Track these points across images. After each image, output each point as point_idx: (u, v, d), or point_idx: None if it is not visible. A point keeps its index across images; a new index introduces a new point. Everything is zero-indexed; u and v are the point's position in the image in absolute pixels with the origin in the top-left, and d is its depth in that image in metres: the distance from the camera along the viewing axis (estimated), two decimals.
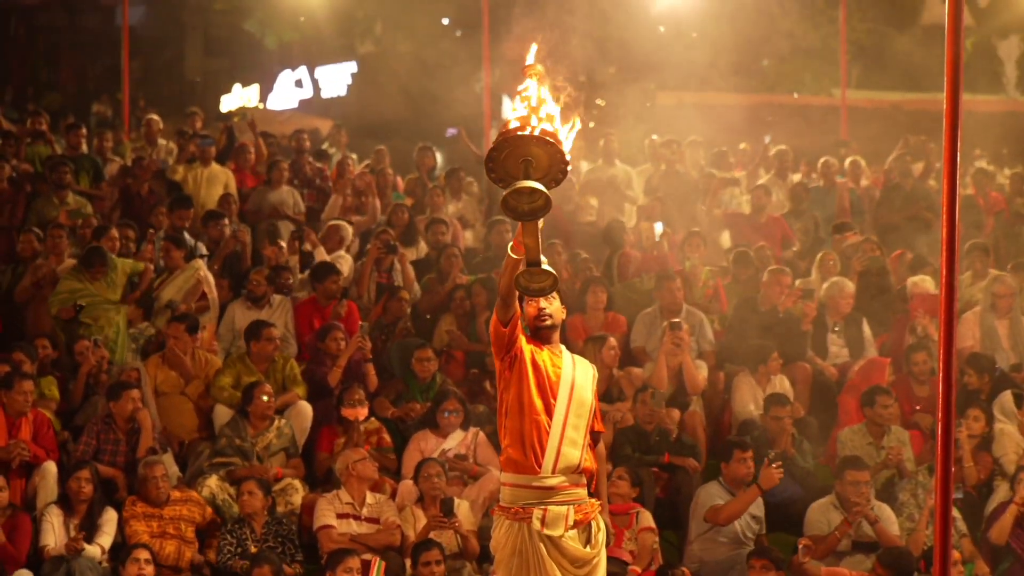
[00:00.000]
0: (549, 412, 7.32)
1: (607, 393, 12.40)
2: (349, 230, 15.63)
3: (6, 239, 14.48)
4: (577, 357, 7.57)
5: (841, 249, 15.30)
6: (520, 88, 6.78)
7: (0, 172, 15.72)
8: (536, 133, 6.58)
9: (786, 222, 16.79)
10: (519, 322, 7.29)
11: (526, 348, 7.34)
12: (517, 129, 6.61)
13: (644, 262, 15.20)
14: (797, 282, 14.87)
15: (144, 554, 9.98)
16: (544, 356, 7.40)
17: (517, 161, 6.61)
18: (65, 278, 13.33)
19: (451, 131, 21.09)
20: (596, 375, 7.56)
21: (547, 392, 7.34)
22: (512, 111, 6.80)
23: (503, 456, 7.44)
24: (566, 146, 6.68)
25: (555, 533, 7.29)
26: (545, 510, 7.30)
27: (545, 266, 6.87)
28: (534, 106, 6.68)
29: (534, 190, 6.53)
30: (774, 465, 10.71)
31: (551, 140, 6.61)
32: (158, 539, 10.59)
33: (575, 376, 7.42)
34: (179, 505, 10.86)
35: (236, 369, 12.36)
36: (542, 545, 7.29)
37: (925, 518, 10.98)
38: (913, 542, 10.87)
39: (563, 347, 7.54)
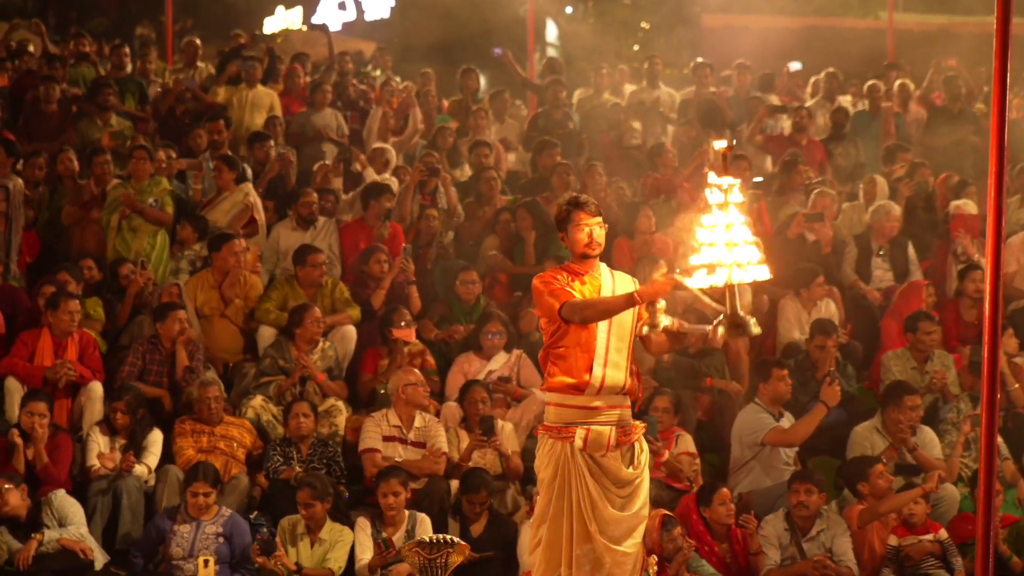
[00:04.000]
0: (592, 339, 7.35)
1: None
2: (393, 154, 15.62)
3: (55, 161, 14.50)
4: (618, 274, 7.57)
5: (891, 174, 15.18)
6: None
7: (50, 94, 15.74)
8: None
9: (823, 147, 16.66)
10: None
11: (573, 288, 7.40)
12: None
13: (659, 183, 15.01)
14: (845, 205, 14.81)
15: (203, 487, 9.99)
16: (581, 286, 7.41)
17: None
18: (114, 188, 13.39)
19: (497, 51, 21.01)
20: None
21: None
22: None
23: (548, 377, 7.48)
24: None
25: (597, 453, 7.34)
26: (588, 430, 7.34)
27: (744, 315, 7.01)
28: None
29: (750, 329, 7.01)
30: (835, 383, 10.77)
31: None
32: (206, 454, 10.64)
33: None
34: (231, 427, 10.94)
35: (283, 292, 12.37)
36: (584, 465, 7.33)
37: (961, 444, 10.99)
38: (950, 467, 10.88)
39: (603, 267, 7.56)
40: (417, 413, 10.95)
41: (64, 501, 10.07)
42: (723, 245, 6.85)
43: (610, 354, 7.36)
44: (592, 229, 7.44)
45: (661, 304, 7.36)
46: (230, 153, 14.62)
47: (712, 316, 7.15)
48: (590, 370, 7.33)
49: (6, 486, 9.90)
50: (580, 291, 7.38)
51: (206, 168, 14.58)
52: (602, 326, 7.35)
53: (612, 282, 7.48)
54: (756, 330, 7.03)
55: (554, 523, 7.44)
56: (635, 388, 7.50)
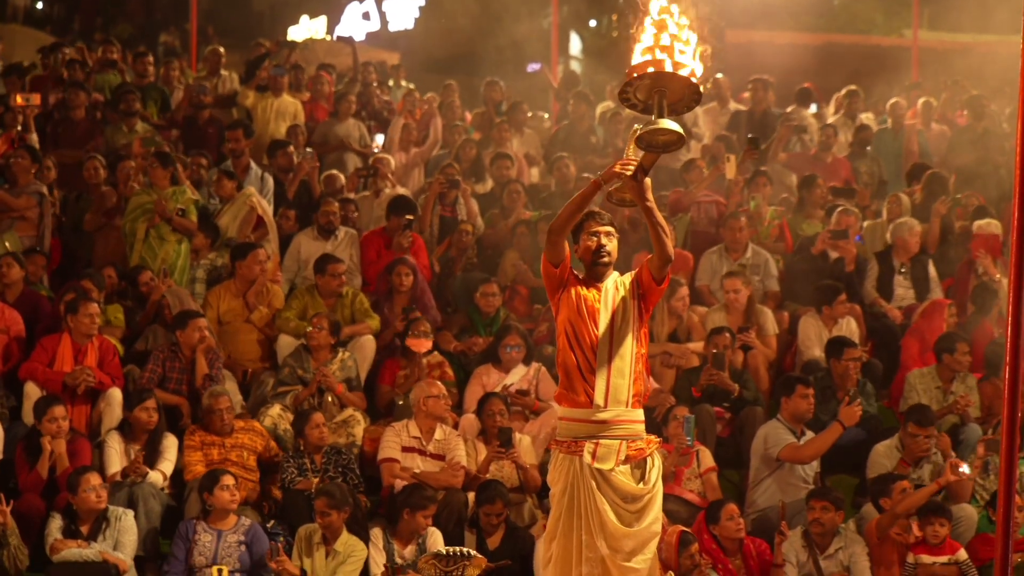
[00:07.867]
0: (595, 346, 7.35)
1: (674, 336, 12.39)
2: (392, 162, 15.58)
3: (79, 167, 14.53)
4: (619, 280, 7.54)
5: (914, 192, 15.12)
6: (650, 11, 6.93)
7: (76, 100, 15.78)
8: (669, 69, 6.79)
9: (849, 164, 16.62)
10: (569, 263, 7.42)
11: (572, 289, 7.41)
12: (648, 64, 6.79)
13: (680, 199, 14.94)
14: (867, 223, 14.76)
15: (230, 480, 10.03)
16: (589, 293, 7.41)
17: (651, 92, 6.82)
18: (136, 195, 13.42)
19: (533, 66, 20.97)
20: (632, 278, 7.50)
21: (591, 327, 7.36)
22: (642, 34, 6.93)
23: (559, 391, 7.48)
24: (696, 70, 6.88)
25: (605, 467, 7.31)
26: (597, 444, 7.33)
27: (667, 122, 6.84)
28: (661, 32, 6.88)
29: (669, 129, 6.80)
30: (855, 403, 10.72)
31: (686, 75, 6.79)
32: (218, 466, 10.57)
33: (615, 303, 7.42)
34: (241, 434, 10.91)
35: (303, 301, 12.41)
36: (592, 480, 7.31)
37: (978, 467, 10.97)
38: (961, 487, 10.82)
39: (611, 279, 7.52)
40: (437, 425, 10.93)
41: (128, 524, 10.01)
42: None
43: (614, 360, 7.35)
44: (600, 236, 7.46)
45: None
46: (251, 162, 14.68)
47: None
48: (593, 384, 7.34)
49: (95, 482, 9.92)
50: (584, 294, 7.40)
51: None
52: (604, 336, 7.35)
53: (615, 292, 7.46)
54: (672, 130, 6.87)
55: (564, 538, 7.41)
56: (641, 392, 7.46)
